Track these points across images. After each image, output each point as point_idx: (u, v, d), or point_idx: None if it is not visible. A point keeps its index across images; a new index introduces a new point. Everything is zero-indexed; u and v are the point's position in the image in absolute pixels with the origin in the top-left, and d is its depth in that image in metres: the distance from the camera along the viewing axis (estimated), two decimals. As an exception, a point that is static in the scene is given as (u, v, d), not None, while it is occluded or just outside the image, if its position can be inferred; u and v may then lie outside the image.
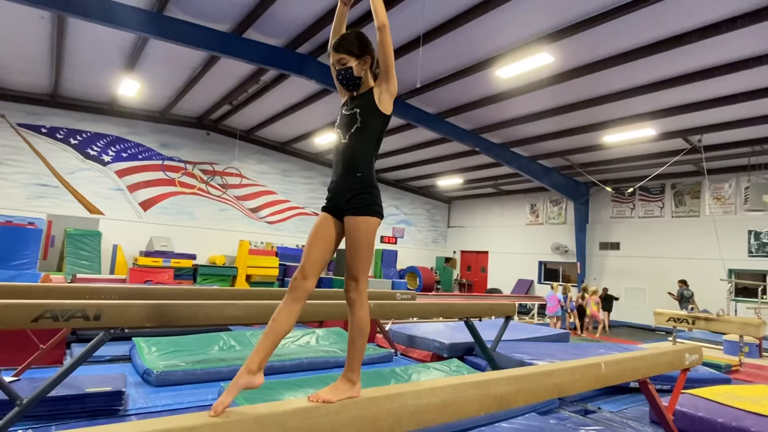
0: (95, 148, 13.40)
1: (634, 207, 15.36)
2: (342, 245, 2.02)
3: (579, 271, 15.78)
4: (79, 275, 10.62)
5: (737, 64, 7.95)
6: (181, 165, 14.76)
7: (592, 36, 7.68)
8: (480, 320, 7.44)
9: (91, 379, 3.62)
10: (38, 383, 2.89)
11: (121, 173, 13.77)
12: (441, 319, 7.86)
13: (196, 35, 8.46)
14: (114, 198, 13.61)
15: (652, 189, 14.81)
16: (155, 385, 4.06)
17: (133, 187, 13.94)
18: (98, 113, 13.33)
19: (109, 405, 3.39)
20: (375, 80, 2.05)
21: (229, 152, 15.43)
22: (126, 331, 2.90)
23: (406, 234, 20.16)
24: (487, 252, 19.83)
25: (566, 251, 16.71)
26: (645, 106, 10.01)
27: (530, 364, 4.53)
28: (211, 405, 1.52)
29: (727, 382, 5.42)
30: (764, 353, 7.90)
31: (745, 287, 12.38)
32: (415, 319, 8.23)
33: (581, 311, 12.07)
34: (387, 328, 6.55)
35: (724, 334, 7.81)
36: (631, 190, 14.28)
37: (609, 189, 14.63)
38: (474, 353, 5.88)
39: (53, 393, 2.99)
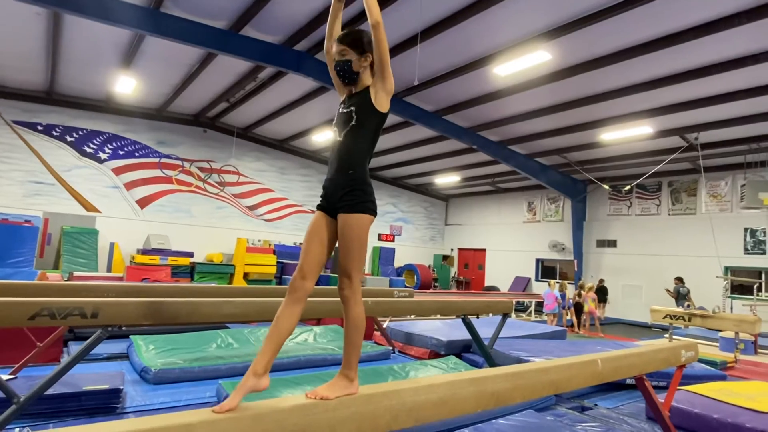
0: (92, 146, 13.35)
1: (631, 205, 15.40)
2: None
3: (576, 269, 15.83)
4: (75, 273, 10.60)
5: (734, 62, 7.97)
6: (178, 163, 14.71)
7: (590, 34, 7.69)
8: (477, 317, 7.45)
9: (88, 377, 3.61)
10: (35, 381, 2.88)
11: (117, 171, 13.72)
12: (438, 316, 7.87)
13: (193, 32, 8.43)
14: (111, 196, 13.57)
15: (649, 187, 14.86)
16: (153, 383, 4.05)
17: (129, 185, 13.90)
18: (95, 110, 13.27)
19: (107, 403, 3.38)
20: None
21: (227, 150, 15.39)
22: (123, 328, 2.89)
23: (404, 232, 20.17)
24: (484, 249, 19.86)
25: (563, 249, 16.75)
26: (642, 103, 10.03)
27: (527, 361, 4.54)
28: (209, 403, 1.53)
29: (723, 378, 5.44)
30: (759, 350, 7.94)
31: (740, 284, 12.45)
32: (412, 316, 8.25)
33: (578, 308, 12.11)
34: (385, 326, 6.55)
35: (720, 331, 7.85)
36: (628, 187, 14.33)
37: (606, 187, 14.67)
38: (471, 350, 5.89)
39: (50, 391, 2.98)
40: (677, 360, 3.38)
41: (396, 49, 8.58)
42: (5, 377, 3.09)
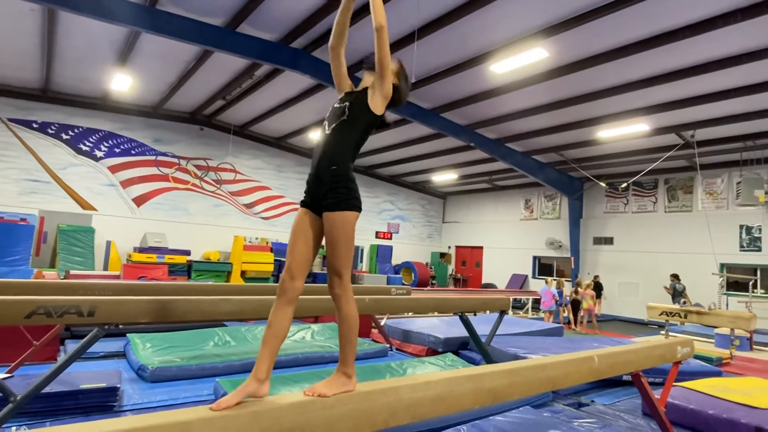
0: (87, 144, 13.28)
1: (628, 202, 15.45)
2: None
3: (573, 266, 15.88)
4: (72, 272, 10.54)
5: (730, 59, 8.00)
6: (175, 160, 14.66)
7: (586, 31, 7.70)
8: (475, 315, 7.45)
9: (85, 376, 3.61)
10: (32, 380, 2.87)
11: (114, 169, 13.66)
12: (436, 313, 7.87)
13: (189, 29, 8.39)
14: (107, 194, 13.52)
15: (646, 184, 14.90)
16: (150, 381, 4.05)
17: (126, 183, 13.84)
18: (90, 108, 13.20)
19: (104, 401, 3.38)
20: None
21: (223, 147, 15.35)
22: (120, 327, 2.88)
23: (401, 229, 20.18)
24: (481, 247, 19.89)
25: (560, 246, 16.80)
26: (638, 101, 10.05)
27: (524, 358, 4.56)
28: (206, 400, 1.53)
29: (718, 374, 5.48)
30: (755, 346, 8.00)
31: (736, 281, 12.51)
32: (410, 314, 8.26)
33: (575, 305, 12.14)
34: (382, 323, 6.56)
35: (716, 327, 7.89)
36: (624, 185, 14.38)
37: (603, 184, 14.71)
38: (469, 348, 5.91)
39: (47, 389, 2.98)
40: (673, 356, 3.40)
41: (393, 47, 8.57)
42: (1, 376, 3.08)
